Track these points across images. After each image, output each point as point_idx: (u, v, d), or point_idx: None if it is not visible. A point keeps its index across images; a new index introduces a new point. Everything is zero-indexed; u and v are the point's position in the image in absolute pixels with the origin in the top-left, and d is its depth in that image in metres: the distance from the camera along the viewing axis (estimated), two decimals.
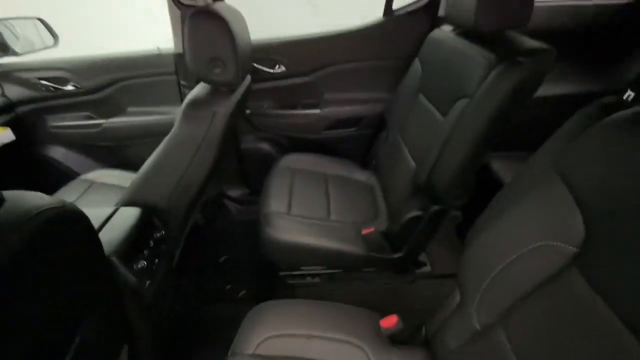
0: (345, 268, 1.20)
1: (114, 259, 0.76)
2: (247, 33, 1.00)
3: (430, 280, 1.31)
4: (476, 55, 0.90)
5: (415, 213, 1.07)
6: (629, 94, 1.03)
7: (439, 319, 0.75)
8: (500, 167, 1.42)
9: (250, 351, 0.74)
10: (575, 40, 1.41)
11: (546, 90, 1.03)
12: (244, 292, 1.40)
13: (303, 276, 1.27)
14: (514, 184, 0.64)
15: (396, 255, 1.15)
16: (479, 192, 1.03)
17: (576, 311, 0.48)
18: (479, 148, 0.87)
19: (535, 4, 0.85)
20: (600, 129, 0.50)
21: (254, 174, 1.66)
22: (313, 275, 1.27)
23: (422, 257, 1.35)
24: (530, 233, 0.55)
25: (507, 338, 0.58)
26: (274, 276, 1.29)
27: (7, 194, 0.43)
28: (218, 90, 0.97)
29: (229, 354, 0.75)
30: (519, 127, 1.07)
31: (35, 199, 0.45)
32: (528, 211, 0.57)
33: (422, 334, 0.82)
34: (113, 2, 2.47)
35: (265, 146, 1.64)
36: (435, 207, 1.04)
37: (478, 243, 0.65)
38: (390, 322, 0.82)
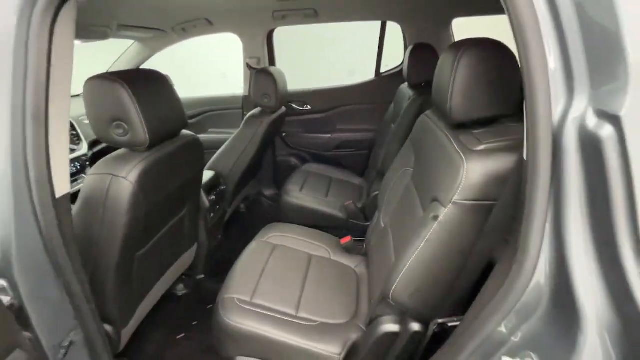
0: (330, 228, 1.78)
1: (201, 190, 1.46)
2: (285, 83, 1.78)
3: None
4: (408, 93, 1.58)
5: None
6: None
7: (369, 231, 1.31)
8: None
9: (264, 240, 1.36)
10: None
11: None
12: None
13: None
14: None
15: (367, 223, 1.71)
16: None
17: (410, 202, 1.05)
18: (402, 139, 1.49)
19: None
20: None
21: (283, 179, 2.36)
22: None
23: None
24: (400, 167, 1.16)
25: (390, 227, 1.14)
26: None
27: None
28: (265, 112, 1.73)
29: (253, 240, 1.37)
30: None
31: (190, 133, 1.18)
32: (402, 158, 1.18)
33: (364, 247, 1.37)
34: (203, 69, 3.68)
35: (293, 159, 2.36)
36: None
37: (384, 178, 1.25)
38: (346, 239, 1.39)
